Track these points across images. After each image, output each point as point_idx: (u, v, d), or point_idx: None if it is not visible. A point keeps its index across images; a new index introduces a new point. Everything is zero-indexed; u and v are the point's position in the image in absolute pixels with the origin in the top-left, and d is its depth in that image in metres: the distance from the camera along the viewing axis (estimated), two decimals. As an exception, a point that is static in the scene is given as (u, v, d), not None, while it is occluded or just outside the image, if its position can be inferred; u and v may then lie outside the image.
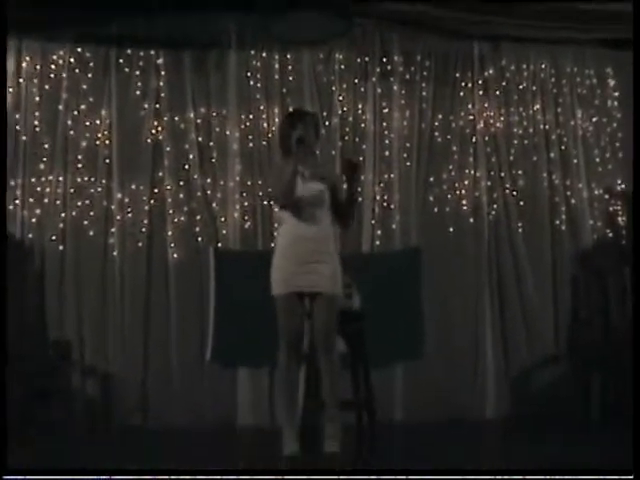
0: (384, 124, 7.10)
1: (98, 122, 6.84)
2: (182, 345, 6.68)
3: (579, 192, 7.22)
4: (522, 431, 6.22)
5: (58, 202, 6.73)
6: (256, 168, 6.90)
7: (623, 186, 7.25)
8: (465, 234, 7.08)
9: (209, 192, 6.87)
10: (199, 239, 6.81)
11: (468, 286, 7.01)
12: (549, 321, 7.06)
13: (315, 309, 4.35)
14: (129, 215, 6.78)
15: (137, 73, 6.90)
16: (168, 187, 6.82)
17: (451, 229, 7.07)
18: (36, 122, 6.78)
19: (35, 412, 6.18)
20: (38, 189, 6.73)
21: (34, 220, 6.70)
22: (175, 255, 6.77)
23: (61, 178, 6.75)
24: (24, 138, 6.75)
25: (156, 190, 6.83)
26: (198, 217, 6.84)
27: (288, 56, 7.03)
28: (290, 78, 7.03)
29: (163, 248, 6.78)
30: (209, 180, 6.88)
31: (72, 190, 6.77)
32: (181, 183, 6.86)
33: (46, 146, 6.77)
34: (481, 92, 7.23)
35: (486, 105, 7.23)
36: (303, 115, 4.58)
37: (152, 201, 6.82)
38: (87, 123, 6.83)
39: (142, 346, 6.67)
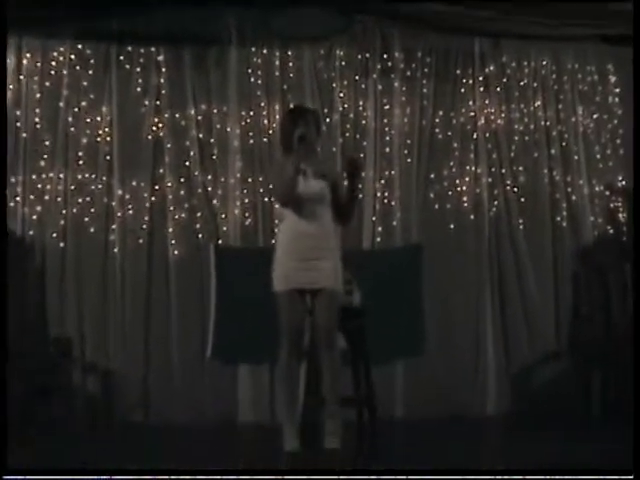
0: (385, 121, 7.08)
1: (99, 119, 6.84)
2: (183, 342, 6.69)
3: (580, 189, 7.21)
4: (523, 428, 6.21)
5: (59, 199, 6.74)
6: (257, 165, 6.90)
7: (624, 182, 7.23)
8: (466, 231, 7.07)
9: (210, 189, 6.87)
10: (200, 236, 6.81)
11: (469, 283, 7.01)
12: (550, 318, 7.05)
13: (316, 306, 4.34)
14: (130, 212, 6.79)
15: (137, 70, 6.90)
16: (169, 184, 6.82)
17: (452, 226, 7.07)
18: (37, 119, 6.79)
19: (36, 409, 6.19)
20: (39, 186, 6.73)
21: (35, 217, 6.70)
22: (176, 252, 6.77)
23: (62, 175, 6.76)
24: (25, 135, 6.75)
25: (157, 187, 6.84)
26: (199, 214, 6.84)
27: (289, 52, 7.02)
28: (291, 75, 7.02)
29: (164, 245, 6.78)
30: (210, 177, 6.88)
31: (73, 187, 6.77)
32: (182, 180, 6.86)
33: (47, 143, 6.78)
34: (482, 89, 7.22)
35: (487, 102, 7.22)
36: (304, 112, 4.58)
37: (153, 198, 6.83)
38: (88, 120, 6.83)
39: (143, 343, 6.68)
